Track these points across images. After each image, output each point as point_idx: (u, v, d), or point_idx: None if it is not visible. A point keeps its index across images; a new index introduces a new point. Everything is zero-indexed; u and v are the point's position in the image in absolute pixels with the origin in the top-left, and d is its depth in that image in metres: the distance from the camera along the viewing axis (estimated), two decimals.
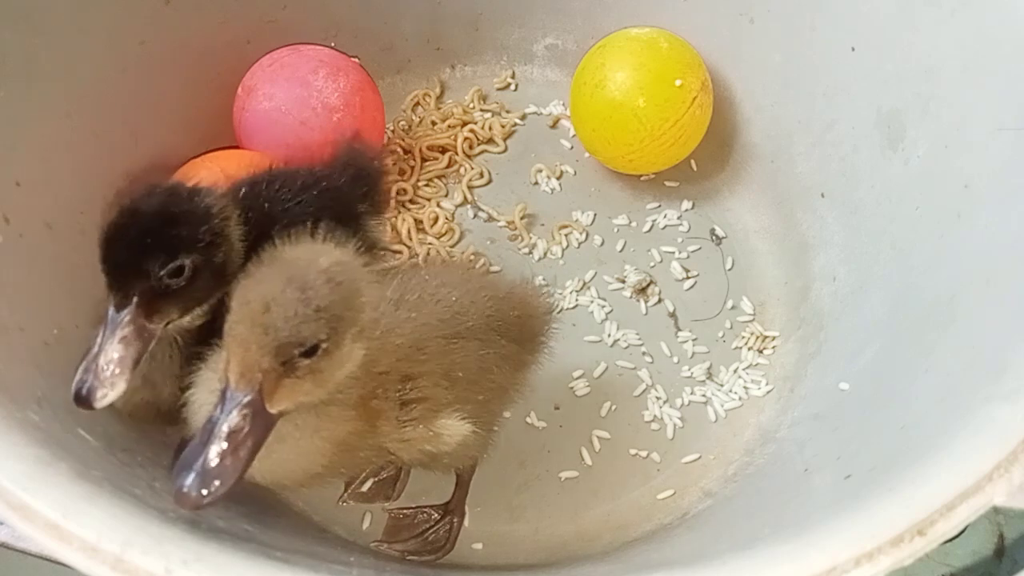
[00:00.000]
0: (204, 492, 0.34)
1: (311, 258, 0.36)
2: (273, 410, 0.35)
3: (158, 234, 0.40)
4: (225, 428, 0.34)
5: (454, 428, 0.44)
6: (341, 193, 0.53)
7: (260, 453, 0.37)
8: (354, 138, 0.57)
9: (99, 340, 0.39)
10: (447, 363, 0.45)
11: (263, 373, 0.34)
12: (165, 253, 0.40)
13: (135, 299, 0.40)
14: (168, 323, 0.41)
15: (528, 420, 0.61)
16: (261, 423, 0.35)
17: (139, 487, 0.38)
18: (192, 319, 0.43)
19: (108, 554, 0.31)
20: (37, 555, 0.52)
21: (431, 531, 0.55)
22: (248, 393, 0.35)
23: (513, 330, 0.49)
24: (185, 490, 0.34)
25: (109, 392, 0.39)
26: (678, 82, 0.66)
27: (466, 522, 0.56)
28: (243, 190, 0.50)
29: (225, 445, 0.34)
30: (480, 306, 0.47)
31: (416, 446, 0.44)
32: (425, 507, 0.56)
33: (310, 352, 0.35)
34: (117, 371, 0.39)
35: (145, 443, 0.45)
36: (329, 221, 0.43)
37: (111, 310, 0.40)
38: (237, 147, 0.65)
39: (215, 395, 0.36)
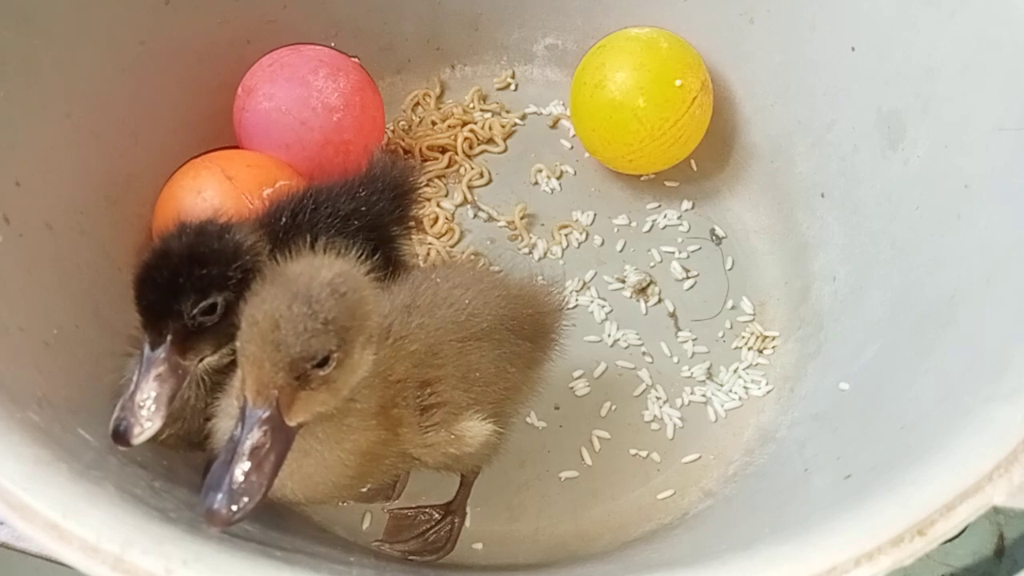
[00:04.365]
0: (234, 508, 0.34)
1: (313, 272, 0.37)
2: (292, 423, 0.36)
3: (188, 274, 0.40)
4: (248, 445, 0.35)
5: (476, 429, 0.45)
6: (381, 216, 0.54)
7: (289, 471, 0.38)
8: (388, 154, 0.56)
9: (135, 378, 0.40)
10: (464, 365, 0.45)
11: (279, 389, 0.35)
12: (196, 292, 0.40)
13: (169, 337, 0.40)
14: (202, 359, 0.42)
15: (528, 420, 0.61)
16: (282, 437, 0.36)
17: (139, 487, 0.38)
18: (223, 355, 0.42)
19: (108, 554, 0.31)
20: (37, 555, 0.52)
21: (432, 531, 0.55)
22: (266, 409, 0.35)
23: (527, 328, 0.49)
24: (215, 508, 0.34)
25: (145, 430, 0.39)
26: (678, 82, 0.66)
27: (466, 522, 0.56)
28: (283, 219, 0.50)
29: (249, 462, 0.35)
30: (493, 306, 0.48)
31: (440, 450, 0.44)
32: (426, 507, 0.56)
33: (322, 364, 0.36)
34: (153, 408, 0.39)
35: (145, 444, 0.45)
36: (368, 245, 0.43)
37: (146, 348, 0.40)
38: (237, 147, 0.65)
39: (235, 418, 0.37)
